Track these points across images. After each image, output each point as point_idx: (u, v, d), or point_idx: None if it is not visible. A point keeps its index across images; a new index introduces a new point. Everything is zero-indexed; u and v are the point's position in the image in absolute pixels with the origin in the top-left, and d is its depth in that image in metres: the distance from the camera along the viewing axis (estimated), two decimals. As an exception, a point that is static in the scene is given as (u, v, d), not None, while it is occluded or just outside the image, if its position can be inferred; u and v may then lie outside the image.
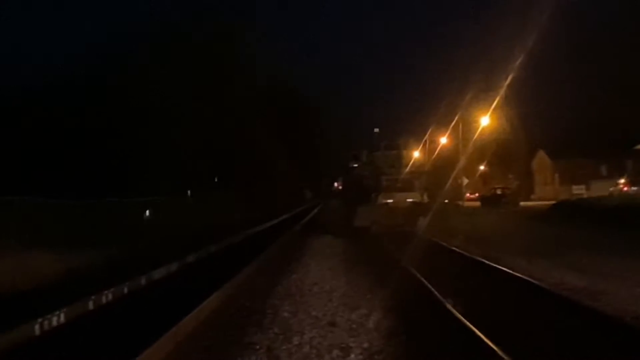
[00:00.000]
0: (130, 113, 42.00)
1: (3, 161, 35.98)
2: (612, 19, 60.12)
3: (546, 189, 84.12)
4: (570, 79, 65.79)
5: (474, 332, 8.99)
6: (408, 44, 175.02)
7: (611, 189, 71.61)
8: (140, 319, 10.99)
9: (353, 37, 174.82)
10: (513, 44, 44.59)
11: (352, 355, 8.79)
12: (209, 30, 50.78)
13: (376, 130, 43.38)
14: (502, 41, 49.29)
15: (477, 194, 77.06)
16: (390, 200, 34.51)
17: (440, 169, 63.65)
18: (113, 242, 21.42)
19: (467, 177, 69.42)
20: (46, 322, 10.15)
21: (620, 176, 73.84)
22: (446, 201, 61.59)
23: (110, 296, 12.54)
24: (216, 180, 50.57)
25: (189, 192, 45.54)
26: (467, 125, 59.51)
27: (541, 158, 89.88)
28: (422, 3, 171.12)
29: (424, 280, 13.80)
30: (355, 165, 43.23)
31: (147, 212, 33.86)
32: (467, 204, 64.83)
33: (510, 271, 15.13)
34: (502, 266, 16.09)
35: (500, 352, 7.77)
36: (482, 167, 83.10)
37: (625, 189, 70.72)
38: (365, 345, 9.30)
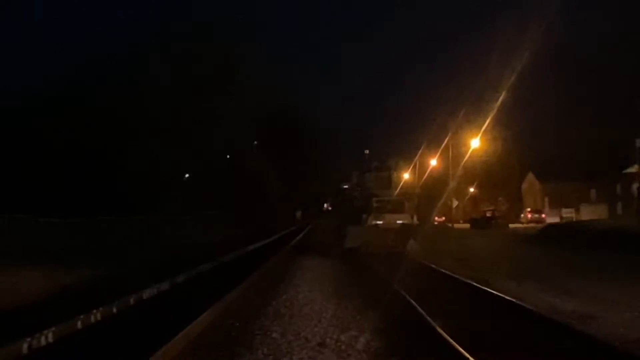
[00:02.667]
0: (123, 132, 42.02)
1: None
2: (602, 44, 60.54)
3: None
4: (560, 102, 65.91)
5: (462, 355, 9.01)
6: (398, 67, 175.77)
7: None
8: (128, 339, 10.94)
9: (342, 59, 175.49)
10: (504, 68, 44.89)
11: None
12: (205, 50, 50.95)
13: (366, 151, 43.48)
14: (493, 64, 49.55)
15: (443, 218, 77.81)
16: (380, 222, 34.49)
17: (430, 190, 63.78)
18: (104, 260, 21.36)
19: (457, 199, 69.62)
20: (35, 341, 10.10)
21: (611, 200, 74.10)
22: (436, 223, 61.83)
23: (99, 315, 12.49)
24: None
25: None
26: (458, 148, 59.80)
27: (531, 181, 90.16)
28: (414, 25, 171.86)
29: (414, 302, 13.80)
30: (346, 186, 43.31)
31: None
32: (457, 225, 64.91)
33: (500, 294, 15.15)
34: (492, 289, 16.12)
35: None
36: (472, 189, 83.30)
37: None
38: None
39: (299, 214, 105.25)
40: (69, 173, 38.95)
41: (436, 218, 74.92)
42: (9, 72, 68.21)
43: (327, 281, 20.18)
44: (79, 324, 11.69)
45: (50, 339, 10.52)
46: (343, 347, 10.48)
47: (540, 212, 73.97)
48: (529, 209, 77.28)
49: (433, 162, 67.01)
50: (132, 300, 14.57)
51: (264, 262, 25.17)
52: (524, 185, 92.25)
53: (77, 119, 41.60)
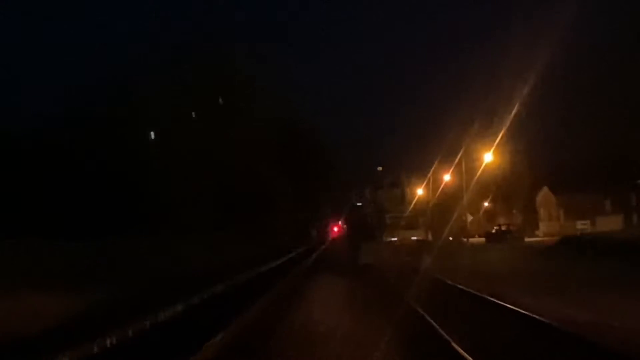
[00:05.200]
0: (130, 152, 42.15)
1: (6, 202, 36.05)
2: (615, 51, 60.32)
3: (551, 225, 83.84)
4: (573, 114, 65.64)
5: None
6: (412, 82, 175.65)
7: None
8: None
9: (353, 74, 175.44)
10: (517, 80, 44.85)
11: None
12: (211, 66, 51.10)
13: (379, 168, 43.58)
14: (506, 77, 49.51)
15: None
16: (394, 238, 34.54)
17: (444, 206, 63.69)
18: (116, 282, 21.33)
19: (472, 214, 69.37)
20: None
21: (626, 211, 73.71)
22: (451, 238, 61.59)
23: (114, 339, 12.47)
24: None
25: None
26: (471, 162, 59.58)
27: (545, 194, 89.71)
28: (425, 39, 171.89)
29: (429, 318, 13.74)
30: (359, 203, 43.37)
31: None
32: (471, 240, 64.67)
33: (516, 308, 15.04)
34: (508, 303, 16.00)
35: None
36: (486, 204, 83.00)
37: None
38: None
39: (314, 232, 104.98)
40: (80, 195, 39.05)
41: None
42: (28, 93, 68.47)
43: (343, 298, 20.13)
44: (95, 348, 11.68)
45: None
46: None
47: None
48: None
49: (447, 177, 66.91)
50: (148, 323, 14.55)
51: (282, 279, 25.16)
52: (539, 198, 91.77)
53: (91, 138, 41.78)
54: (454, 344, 10.92)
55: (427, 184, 76.78)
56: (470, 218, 67.59)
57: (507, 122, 47.82)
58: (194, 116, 48.88)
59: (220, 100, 53.04)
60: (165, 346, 12.28)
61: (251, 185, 53.71)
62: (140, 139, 44.34)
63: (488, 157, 54.72)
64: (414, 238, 64.71)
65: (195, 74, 49.79)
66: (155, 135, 45.94)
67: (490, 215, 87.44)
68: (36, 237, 26.38)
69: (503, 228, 68.75)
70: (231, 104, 52.12)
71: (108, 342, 12.15)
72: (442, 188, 68.60)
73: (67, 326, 13.90)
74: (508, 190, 79.19)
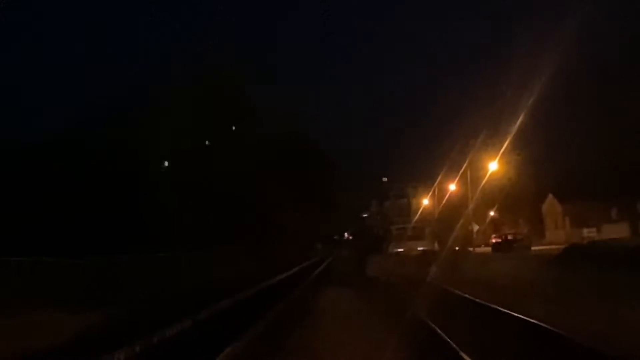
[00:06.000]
0: (130, 170, 42.23)
1: (14, 220, 36.09)
2: (620, 60, 60.29)
3: (557, 233, 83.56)
4: (578, 121, 65.61)
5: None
6: (417, 93, 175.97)
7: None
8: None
9: (361, 86, 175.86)
10: (522, 89, 44.85)
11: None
12: (219, 81, 51.20)
13: (385, 179, 43.56)
14: (511, 86, 49.54)
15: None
16: (401, 249, 34.54)
17: (450, 216, 63.63)
18: (122, 300, 21.31)
19: (477, 223, 69.25)
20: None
21: (632, 218, 73.51)
22: (457, 248, 61.48)
23: (122, 356, 12.44)
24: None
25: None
26: (476, 172, 59.60)
27: (551, 202, 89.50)
28: (431, 51, 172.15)
29: (438, 330, 13.68)
30: (365, 215, 43.37)
31: None
32: (477, 250, 64.48)
33: (525, 317, 14.97)
34: (516, 312, 15.92)
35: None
36: (492, 213, 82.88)
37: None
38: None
39: (319, 245, 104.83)
40: (84, 211, 39.07)
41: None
42: (32, 111, 68.75)
43: (351, 310, 20.10)
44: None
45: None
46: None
47: (506, 235, 72.87)
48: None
49: (452, 187, 66.92)
50: (155, 339, 14.51)
51: (287, 294, 25.09)
52: (544, 207, 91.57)
53: (93, 155, 41.87)
54: (462, 354, 10.89)
55: (433, 194, 76.82)
56: (476, 227, 67.48)
57: (512, 132, 47.81)
58: (197, 133, 48.90)
59: (233, 127, 53.20)
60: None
61: (256, 199, 53.67)
62: (144, 158, 44.33)
63: (493, 166, 54.72)
64: (420, 248, 64.70)
65: (198, 91, 49.88)
66: (160, 156, 45.97)
67: (496, 224, 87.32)
68: (43, 255, 26.38)
69: (509, 237, 68.55)
70: (236, 120, 52.18)
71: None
72: (448, 198, 68.63)
73: (73, 343, 13.90)
74: (514, 199, 79.09)
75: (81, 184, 40.28)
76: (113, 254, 31.47)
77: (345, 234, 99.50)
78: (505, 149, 51.57)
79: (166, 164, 48.17)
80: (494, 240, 70.86)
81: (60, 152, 42.66)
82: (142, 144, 44.06)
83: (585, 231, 72.86)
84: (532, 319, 14.75)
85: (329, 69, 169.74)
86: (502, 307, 17.32)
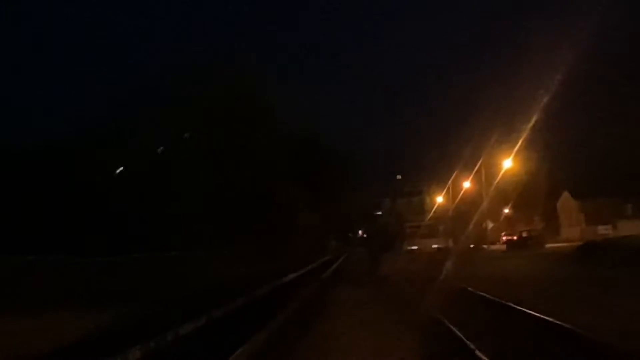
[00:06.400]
0: (151, 168, 42.28)
1: (27, 219, 36.19)
2: (635, 55, 59.80)
3: (572, 230, 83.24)
4: (592, 117, 65.23)
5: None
6: (428, 89, 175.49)
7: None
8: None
9: (374, 83, 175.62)
10: (536, 85, 44.60)
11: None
12: (229, 80, 51.14)
13: (399, 177, 43.49)
14: (526, 82, 49.23)
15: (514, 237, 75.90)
16: (415, 247, 34.37)
17: (464, 213, 63.48)
18: (136, 297, 21.32)
19: (492, 221, 69.12)
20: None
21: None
22: (471, 245, 61.37)
23: (138, 353, 12.42)
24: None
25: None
26: (490, 169, 59.42)
27: (566, 199, 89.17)
28: (444, 47, 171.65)
29: (455, 329, 13.60)
30: (379, 213, 43.29)
31: None
32: (492, 247, 64.33)
33: (541, 315, 14.85)
34: (531, 310, 15.80)
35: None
36: (506, 210, 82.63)
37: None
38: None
39: (333, 243, 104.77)
40: (97, 210, 39.13)
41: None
42: (50, 110, 69.12)
43: (366, 309, 20.05)
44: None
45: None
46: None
47: (520, 232, 72.70)
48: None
49: (466, 184, 66.75)
50: (169, 337, 14.50)
51: (301, 292, 25.06)
52: (559, 204, 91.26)
53: (106, 154, 41.94)
54: (477, 352, 10.82)
55: (447, 192, 76.61)
56: (490, 225, 67.34)
57: (527, 128, 47.57)
58: (213, 132, 48.88)
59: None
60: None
61: (272, 198, 53.68)
62: (155, 154, 44.39)
63: (507, 163, 54.54)
64: (434, 246, 64.56)
65: (212, 89, 49.85)
66: (171, 149, 45.97)
67: (510, 222, 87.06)
68: (57, 253, 26.44)
69: (524, 234, 68.36)
70: (249, 119, 52.12)
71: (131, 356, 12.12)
72: (462, 195, 68.44)
73: (86, 343, 13.90)
74: (528, 196, 78.82)
75: (92, 184, 40.35)
76: (131, 252, 31.60)
77: (359, 232, 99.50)
78: (520, 145, 51.30)
79: (164, 148, 48.08)
80: (504, 238, 70.76)
81: (73, 152, 42.76)
82: (159, 142, 44.20)
83: (601, 228, 72.65)
84: (546, 315, 14.64)
85: (341, 68, 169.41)
86: (515, 304, 17.20)
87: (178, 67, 50.15)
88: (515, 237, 69.94)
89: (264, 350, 13.02)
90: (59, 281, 22.15)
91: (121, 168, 42.53)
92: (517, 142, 50.76)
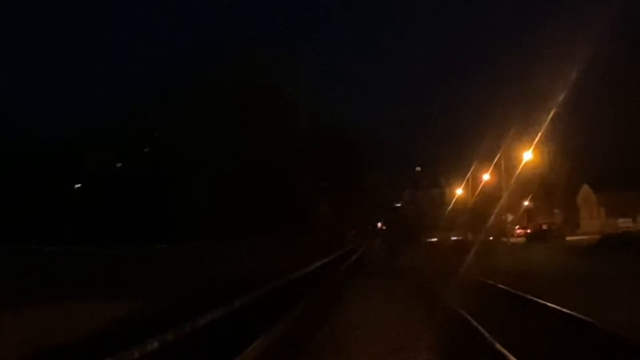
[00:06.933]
0: (172, 159, 42.45)
1: (52, 210, 36.46)
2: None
3: (592, 223, 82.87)
4: (613, 110, 64.83)
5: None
6: (449, 81, 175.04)
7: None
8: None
9: (393, 75, 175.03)
10: (556, 77, 44.37)
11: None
12: (250, 73, 51.24)
13: (418, 168, 43.42)
14: (545, 74, 48.99)
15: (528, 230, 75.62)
16: (434, 239, 34.24)
17: (484, 205, 63.24)
18: (155, 289, 21.40)
19: (512, 213, 68.77)
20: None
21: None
22: (491, 238, 61.14)
23: (155, 344, 12.48)
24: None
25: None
26: (510, 161, 59.11)
27: (586, 192, 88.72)
28: (463, 40, 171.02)
29: (473, 320, 13.58)
30: (398, 205, 43.23)
31: None
32: (512, 240, 64.07)
33: (560, 308, 14.79)
34: (551, 303, 15.72)
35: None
36: (526, 203, 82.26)
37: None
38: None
39: (353, 232, 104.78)
40: (117, 201, 39.36)
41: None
42: (70, 100, 69.60)
43: (383, 300, 20.07)
44: (136, 354, 11.70)
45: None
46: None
47: (540, 224, 72.49)
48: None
49: (486, 176, 66.44)
50: (188, 328, 14.54)
51: (318, 283, 25.08)
52: (579, 197, 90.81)
53: (125, 145, 42.18)
54: (497, 345, 10.81)
55: (467, 184, 76.37)
56: (510, 217, 67.02)
57: (547, 120, 47.30)
58: (234, 125, 49.04)
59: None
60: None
61: (293, 190, 53.78)
62: (180, 145, 44.62)
63: (527, 155, 54.25)
64: (453, 238, 64.41)
65: (234, 82, 49.97)
66: (195, 142, 46.17)
67: (530, 214, 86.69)
68: (75, 244, 26.61)
69: (544, 227, 68.09)
70: (268, 111, 52.20)
71: (149, 347, 12.20)
72: (482, 187, 68.17)
73: (106, 334, 13.98)
74: (548, 189, 78.48)
75: (114, 174, 40.60)
76: (148, 243, 31.76)
77: (379, 224, 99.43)
78: (540, 138, 50.99)
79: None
80: (519, 231, 70.58)
81: (96, 146, 43.03)
82: (182, 135, 44.40)
83: (621, 221, 72.28)
84: (567, 309, 14.57)
85: (360, 60, 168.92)
86: (535, 297, 17.13)
87: (200, 61, 50.42)
88: (529, 230, 69.78)
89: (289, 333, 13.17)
90: (81, 271, 22.27)
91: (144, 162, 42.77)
92: (537, 135, 50.49)
